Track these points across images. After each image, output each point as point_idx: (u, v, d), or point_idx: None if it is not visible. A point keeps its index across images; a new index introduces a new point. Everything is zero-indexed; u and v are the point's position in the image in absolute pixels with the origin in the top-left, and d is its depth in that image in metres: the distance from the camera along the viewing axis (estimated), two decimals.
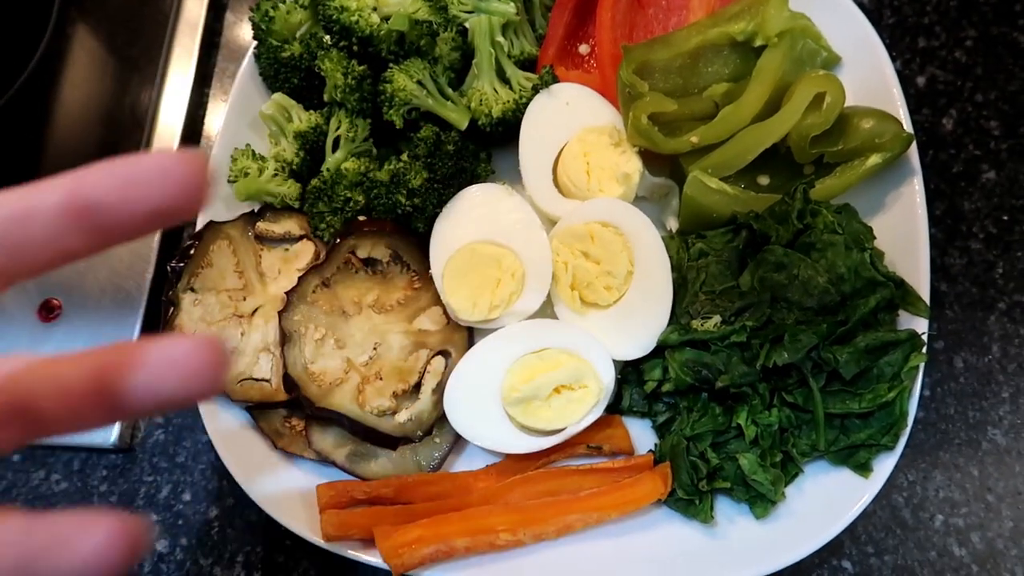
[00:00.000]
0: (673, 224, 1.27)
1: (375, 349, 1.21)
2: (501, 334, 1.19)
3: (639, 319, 1.18)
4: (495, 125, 1.26)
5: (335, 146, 1.28)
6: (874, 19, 1.29)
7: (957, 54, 1.44)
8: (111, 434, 1.28)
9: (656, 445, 1.17)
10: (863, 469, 1.09)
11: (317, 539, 1.11)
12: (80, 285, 1.37)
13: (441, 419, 1.18)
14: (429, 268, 1.24)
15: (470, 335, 1.24)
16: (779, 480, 1.09)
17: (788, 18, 1.21)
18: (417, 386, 1.20)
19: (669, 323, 1.17)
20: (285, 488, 1.16)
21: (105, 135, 1.51)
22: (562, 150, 1.27)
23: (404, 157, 1.23)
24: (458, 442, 1.20)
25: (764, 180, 1.24)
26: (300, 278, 1.22)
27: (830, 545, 1.08)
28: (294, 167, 1.29)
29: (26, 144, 1.51)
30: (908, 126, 1.20)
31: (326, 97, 1.27)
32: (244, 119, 1.35)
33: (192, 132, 1.51)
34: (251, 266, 1.27)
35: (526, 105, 1.27)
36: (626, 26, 1.33)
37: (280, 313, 1.20)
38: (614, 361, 1.17)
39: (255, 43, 1.34)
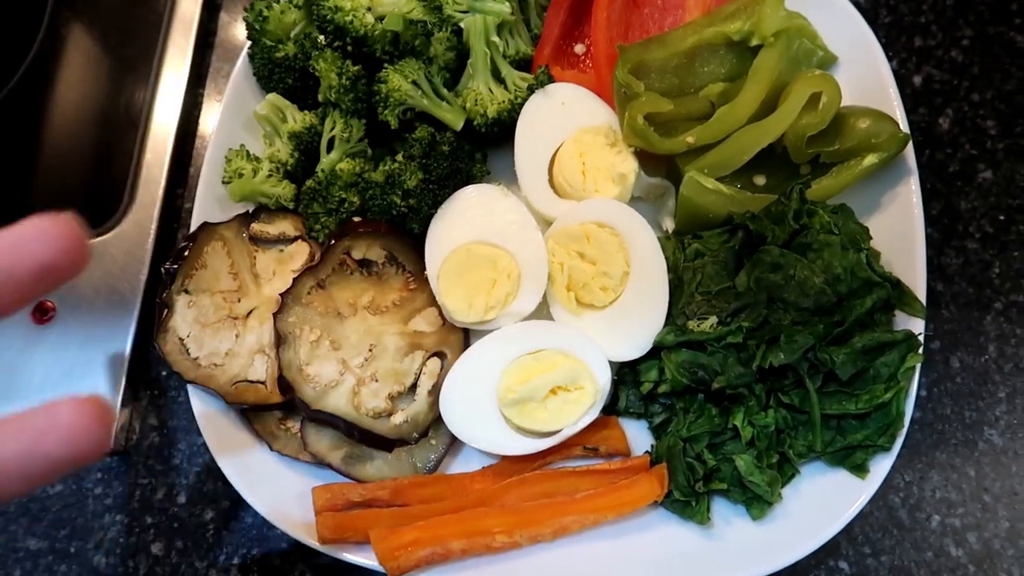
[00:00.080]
0: (669, 224, 1.26)
1: (370, 351, 1.20)
2: (497, 335, 1.19)
3: (635, 320, 1.18)
4: (490, 125, 1.26)
5: (330, 147, 1.28)
6: (870, 18, 1.29)
7: (953, 53, 1.43)
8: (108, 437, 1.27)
9: (652, 446, 1.17)
10: (860, 470, 1.09)
11: (313, 542, 1.11)
12: (74, 287, 1.36)
13: (437, 421, 1.18)
14: (424, 269, 1.23)
15: (466, 336, 1.24)
16: (775, 481, 1.09)
17: (784, 17, 1.21)
18: (413, 388, 1.20)
19: (665, 324, 1.17)
20: (281, 491, 1.16)
21: (100, 135, 1.50)
22: (558, 150, 1.27)
23: (399, 158, 1.23)
24: (454, 444, 1.20)
25: (760, 180, 1.24)
26: (295, 279, 1.22)
27: (827, 546, 1.08)
28: (289, 168, 1.29)
29: (20, 144, 1.50)
30: (904, 126, 1.20)
31: (320, 97, 1.26)
32: (238, 119, 1.35)
33: (186, 132, 1.50)
34: (246, 267, 1.26)
35: (521, 105, 1.27)
36: (622, 26, 1.32)
37: (275, 315, 1.20)
38: (610, 362, 1.17)
39: (249, 43, 1.34)
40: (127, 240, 1.39)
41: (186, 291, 1.24)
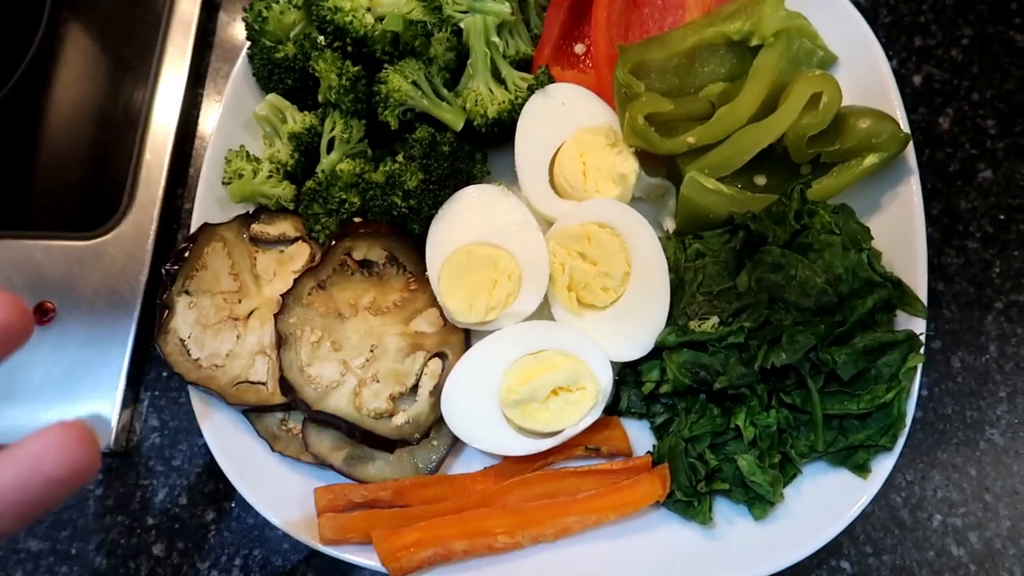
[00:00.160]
0: (670, 225, 1.26)
1: (371, 351, 1.20)
2: (498, 336, 1.19)
3: (636, 320, 1.18)
4: (491, 126, 1.26)
5: (330, 147, 1.27)
6: (870, 18, 1.29)
7: (953, 53, 1.43)
8: (107, 437, 1.27)
9: (654, 446, 1.17)
10: (861, 470, 1.09)
11: (315, 543, 1.11)
12: (74, 288, 1.36)
13: (438, 421, 1.18)
14: (425, 270, 1.23)
15: (467, 337, 1.24)
16: (777, 481, 1.09)
17: (784, 17, 1.21)
18: (414, 388, 1.20)
19: (666, 324, 1.17)
20: (282, 491, 1.16)
21: (99, 135, 1.50)
22: (558, 151, 1.27)
23: (399, 158, 1.23)
24: (456, 444, 1.20)
25: (761, 180, 1.24)
26: (296, 280, 1.22)
27: (829, 545, 1.08)
28: (289, 168, 1.29)
29: (19, 144, 1.50)
30: (905, 126, 1.20)
31: (320, 98, 1.26)
32: (238, 120, 1.35)
33: (186, 132, 1.50)
34: (246, 268, 1.26)
35: (522, 105, 1.26)
36: (622, 26, 1.32)
37: (276, 316, 1.20)
38: (612, 362, 1.17)
39: (249, 43, 1.34)
40: (127, 241, 1.39)
41: (187, 292, 1.24)
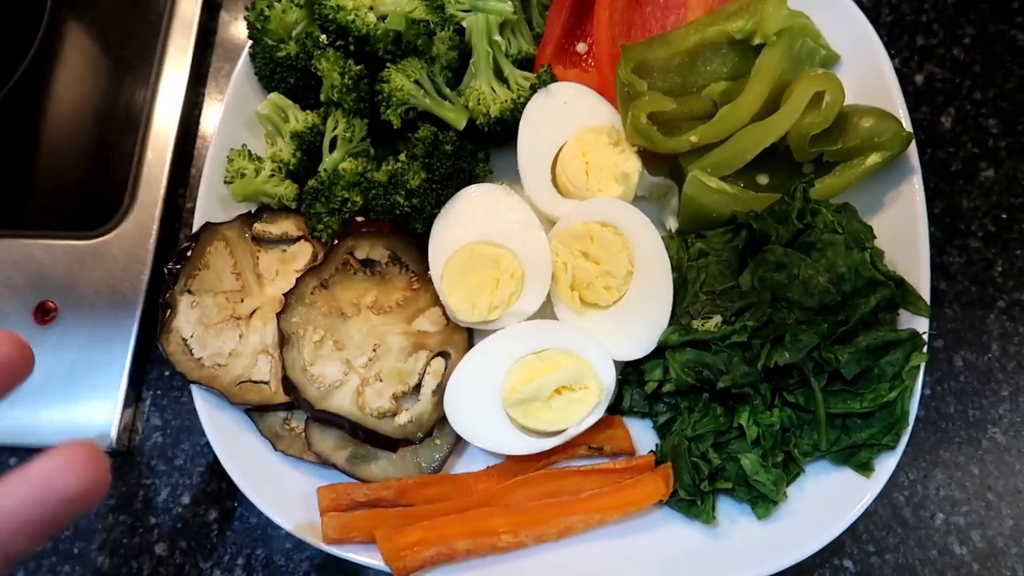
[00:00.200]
0: (672, 224, 1.26)
1: (374, 351, 1.20)
2: (501, 335, 1.19)
3: (639, 319, 1.18)
4: (493, 125, 1.26)
5: (332, 146, 1.27)
6: (872, 17, 1.29)
7: (955, 52, 1.43)
8: (109, 437, 1.27)
9: (657, 446, 1.17)
10: (865, 469, 1.09)
11: (318, 542, 1.11)
12: (75, 287, 1.36)
13: (441, 421, 1.18)
14: (428, 269, 1.23)
15: (470, 336, 1.24)
16: (781, 480, 1.09)
17: (787, 16, 1.21)
18: (417, 388, 1.20)
19: (669, 323, 1.17)
20: (285, 491, 1.16)
21: (100, 135, 1.50)
22: (561, 150, 1.27)
23: (402, 157, 1.23)
24: (458, 444, 1.19)
25: (763, 179, 1.24)
26: (298, 279, 1.21)
27: (831, 544, 1.08)
28: (291, 167, 1.29)
29: (20, 144, 1.49)
30: (908, 125, 1.20)
31: (323, 97, 1.26)
32: (240, 119, 1.34)
33: (187, 132, 1.50)
34: (248, 267, 1.26)
35: (524, 104, 1.26)
36: (624, 24, 1.32)
37: (278, 315, 1.20)
38: (615, 361, 1.16)
39: (250, 42, 1.33)
40: (128, 240, 1.39)
41: (189, 291, 1.23)
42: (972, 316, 1.29)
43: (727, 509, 1.12)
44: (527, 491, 1.14)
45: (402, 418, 1.18)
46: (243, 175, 1.27)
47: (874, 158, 1.17)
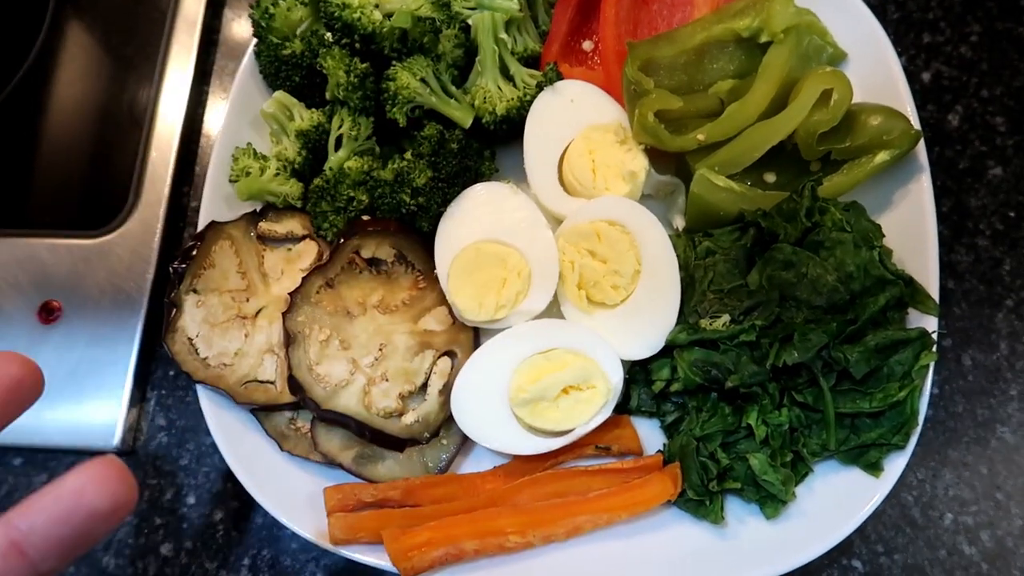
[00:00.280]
0: (679, 222, 1.26)
1: (380, 350, 1.20)
2: (507, 334, 1.18)
3: (647, 318, 1.17)
4: (499, 123, 1.25)
5: (338, 145, 1.27)
6: (879, 14, 1.28)
7: (962, 50, 1.43)
8: (113, 437, 1.27)
9: (665, 445, 1.16)
10: (874, 468, 1.08)
11: (325, 542, 1.10)
12: (80, 287, 1.36)
13: (448, 420, 1.17)
14: (434, 268, 1.23)
15: (476, 335, 1.24)
16: (789, 480, 1.09)
17: (794, 14, 1.20)
18: (423, 387, 1.20)
19: (677, 322, 1.16)
20: (291, 491, 1.15)
21: (104, 133, 1.50)
22: (567, 148, 1.26)
23: (408, 156, 1.22)
24: (465, 443, 1.19)
25: (771, 177, 1.24)
26: (304, 278, 1.21)
27: (840, 544, 1.07)
28: (296, 166, 1.28)
29: (24, 143, 1.49)
30: (916, 123, 1.19)
31: (328, 95, 1.25)
32: (245, 117, 1.34)
33: (191, 130, 1.49)
34: (254, 267, 1.26)
35: (530, 102, 1.26)
36: (630, 22, 1.32)
37: (284, 314, 1.19)
38: (622, 361, 1.16)
39: (255, 40, 1.33)
40: (133, 239, 1.38)
41: (194, 291, 1.23)
42: (980, 315, 1.28)
43: (735, 509, 1.12)
44: (534, 491, 1.13)
45: (409, 418, 1.17)
46: (248, 174, 1.27)
47: (882, 156, 1.17)
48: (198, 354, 1.20)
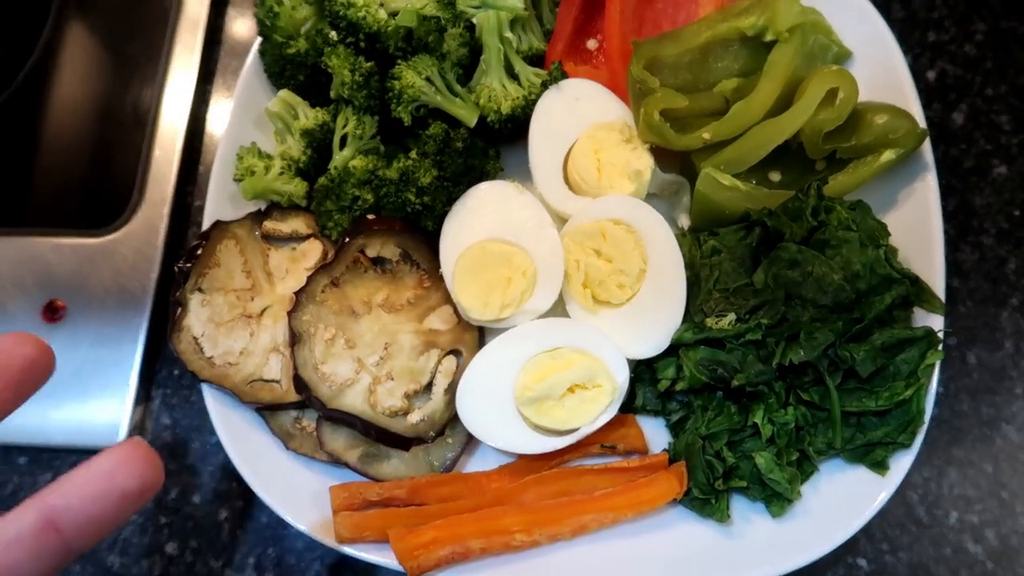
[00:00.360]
0: (685, 221, 1.26)
1: (386, 349, 1.20)
2: (513, 333, 1.18)
3: (652, 317, 1.17)
4: (504, 122, 1.25)
5: (342, 144, 1.27)
6: (883, 13, 1.28)
7: (967, 48, 1.43)
8: (118, 436, 1.27)
9: (670, 444, 1.16)
10: (880, 467, 1.08)
11: (331, 541, 1.10)
12: (84, 286, 1.36)
13: (453, 419, 1.17)
14: (439, 267, 1.23)
15: (481, 334, 1.24)
16: (795, 479, 1.09)
17: (799, 13, 1.20)
18: (429, 386, 1.19)
19: (683, 321, 1.16)
20: (297, 490, 1.15)
21: (107, 132, 1.50)
22: (572, 147, 1.26)
23: (413, 155, 1.22)
24: (471, 442, 1.19)
25: (776, 176, 1.24)
26: (309, 278, 1.21)
27: (845, 542, 1.07)
28: (301, 165, 1.28)
29: (26, 142, 1.49)
30: (922, 121, 1.19)
31: (333, 94, 1.25)
32: (249, 116, 1.34)
33: (195, 129, 1.49)
34: (259, 266, 1.26)
35: (535, 101, 1.26)
36: (635, 21, 1.32)
37: (289, 313, 1.19)
38: (627, 360, 1.16)
39: (259, 39, 1.33)
40: (137, 239, 1.38)
41: (200, 290, 1.23)
42: (985, 313, 1.28)
43: (741, 508, 1.12)
44: (540, 490, 1.13)
45: (414, 417, 1.17)
46: (253, 173, 1.27)
47: (888, 155, 1.17)
48: (203, 353, 1.20)
